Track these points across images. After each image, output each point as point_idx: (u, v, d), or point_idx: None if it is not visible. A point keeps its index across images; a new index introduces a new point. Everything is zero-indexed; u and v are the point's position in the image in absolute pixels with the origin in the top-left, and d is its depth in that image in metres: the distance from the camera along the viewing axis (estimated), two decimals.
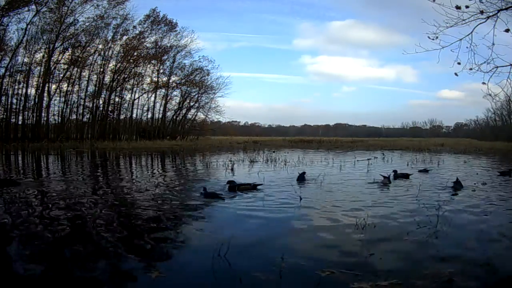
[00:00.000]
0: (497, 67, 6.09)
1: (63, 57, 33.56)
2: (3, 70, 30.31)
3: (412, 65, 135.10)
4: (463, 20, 5.94)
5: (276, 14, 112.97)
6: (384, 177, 8.89)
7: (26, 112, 32.25)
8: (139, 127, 40.41)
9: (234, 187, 7.44)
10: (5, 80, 30.57)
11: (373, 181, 9.02)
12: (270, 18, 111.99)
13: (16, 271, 3.24)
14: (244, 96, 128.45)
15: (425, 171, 11.65)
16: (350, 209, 5.81)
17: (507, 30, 5.73)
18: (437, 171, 12.19)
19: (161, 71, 40.71)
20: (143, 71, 39.01)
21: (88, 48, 34.48)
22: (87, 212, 5.47)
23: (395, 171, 9.97)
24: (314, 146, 33.95)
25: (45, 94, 32.70)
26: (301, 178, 9.06)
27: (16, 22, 29.75)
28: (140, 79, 38.95)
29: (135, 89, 39.03)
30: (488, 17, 5.91)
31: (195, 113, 44.86)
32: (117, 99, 38.10)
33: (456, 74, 6.52)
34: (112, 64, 36.65)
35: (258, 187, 7.74)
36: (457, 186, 8.04)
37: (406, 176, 9.97)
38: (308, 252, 3.77)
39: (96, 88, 35.81)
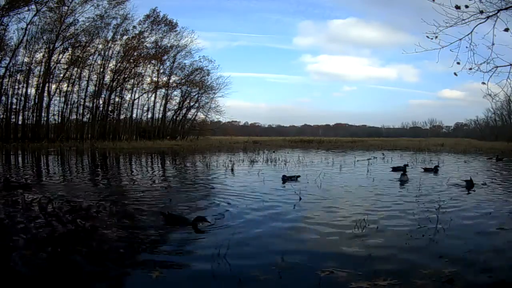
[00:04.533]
0: (497, 67, 6.08)
1: (63, 57, 33.62)
2: (3, 70, 30.37)
3: (414, 65, 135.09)
4: (463, 20, 5.92)
5: (280, 14, 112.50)
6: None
7: (26, 112, 32.30)
8: (139, 127, 40.39)
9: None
10: (5, 80, 30.59)
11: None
12: (274, 18, 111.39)
13: (16, 270, 3.24)
14: (244, 96, 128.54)
15: (434, 170, 11.74)
16: (350, 209, 5.81)
17: (507, 30, 5.72)
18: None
19: (161, 71, 40.77)
20: (143, 71, 39.07)
21: (88, 48, 34.50)
22: (86, 212, 5.46)
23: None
24: (314, 146, 33.94)
25: (45, 94, 32.73)
26: (286, 179, 9.06)
27: (16, 22, 29.82)
28: (140, 79, 39.01)
29: (135, 89, 39.08)
30: (488, 17, 5.90)
31: (195, 113, 44.96)
32: (117, 99, 38.14)
33: (455, 74, 6.51)
34: (112, 64, 36.71)
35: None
36: (468, 185, 8.16)
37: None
38: (307, 252, 3.77)
39: (96, 88, 35.82)
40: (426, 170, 11.79)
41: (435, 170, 11.68)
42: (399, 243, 4.08)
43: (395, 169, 11.79)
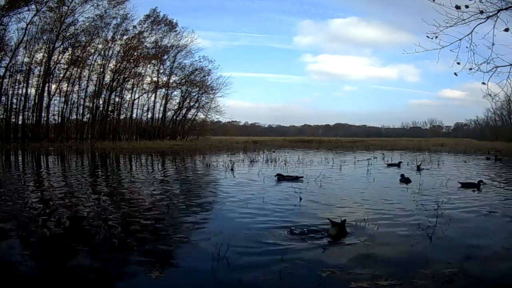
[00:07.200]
0: (497, 67, 6.07)
1: (63, 57, 33.59)
2: (3, 70, 30.34)
3: (415, 64, 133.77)
4: (463, 20, 5.91)
5: (283, 14, 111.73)
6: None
7: (26, 112, 32.26)
8: (139, 127, 40.37)
9: None
10: (5, 80, 30.56)
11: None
12: (277, 18, 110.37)
13: (16, 270, 3.24)
14: (244, 96, 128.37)
15: (397, 165, 12.57)
16: (350, 209, 5.81)
17: (507, 30, 5.71)
18: (437, 171, 12.18)
19: (161, 71, 40.72)
20: (143, 71, 39.01)
21: (88, 48, 34.48)
22: (87, 212, 5.47)
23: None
24: (314, 146, 33.94)
25: (45, 94, 32.70)
26: (281, 178, 9.12)
27: (16, 22, 29.77)
28: (140, 79, 38.95)
29: (135, 89, 39.03)
30: (488, 17, 5.90)
31: (195, 113, 44.88)
32: (117, 99, 38.11)
33: (455, 74, 6.50)
34: (112, 64, 36.67)
35: None
36: (466, 185, 8.21)
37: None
38: (308, 252, 3.77)
39: (96, 88, 35.79)
40: (390, 165, 12.60)
41: (398, 165, 12.58)
42: (399, 243, 4.09)
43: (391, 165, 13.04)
